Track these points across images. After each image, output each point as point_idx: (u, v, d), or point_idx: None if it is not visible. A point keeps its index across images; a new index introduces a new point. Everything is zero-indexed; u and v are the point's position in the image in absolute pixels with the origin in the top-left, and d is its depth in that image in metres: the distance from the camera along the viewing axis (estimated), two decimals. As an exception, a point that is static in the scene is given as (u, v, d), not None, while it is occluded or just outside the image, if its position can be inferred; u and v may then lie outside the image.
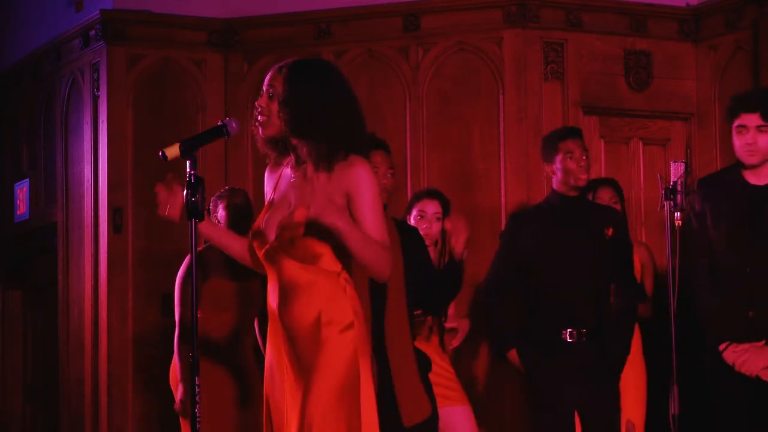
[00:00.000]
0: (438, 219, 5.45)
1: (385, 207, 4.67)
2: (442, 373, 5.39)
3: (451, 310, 5.62)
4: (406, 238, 4.73)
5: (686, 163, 4.94)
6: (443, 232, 5.43)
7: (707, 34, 7.12)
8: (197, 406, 3.42)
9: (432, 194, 5.57)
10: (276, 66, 3.58)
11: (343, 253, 3.45)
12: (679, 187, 4.60)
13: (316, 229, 3.40)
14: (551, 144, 5.25)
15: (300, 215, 3.38)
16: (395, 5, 7.02)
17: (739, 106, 4.86)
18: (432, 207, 5.48)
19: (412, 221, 5.44)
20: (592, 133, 6.89)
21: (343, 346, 3.43)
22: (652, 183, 6.97)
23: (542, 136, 6.73)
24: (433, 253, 5.38)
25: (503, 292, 5.31)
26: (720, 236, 4.86)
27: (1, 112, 8.69)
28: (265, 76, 3.59)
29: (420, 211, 5.48)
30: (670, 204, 4.61)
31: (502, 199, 6.75)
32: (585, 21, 6.95)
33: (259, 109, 3.53)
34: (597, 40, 7.01)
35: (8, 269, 8.84)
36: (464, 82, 6.94)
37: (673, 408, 4.54)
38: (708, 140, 7.09)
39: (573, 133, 5.30)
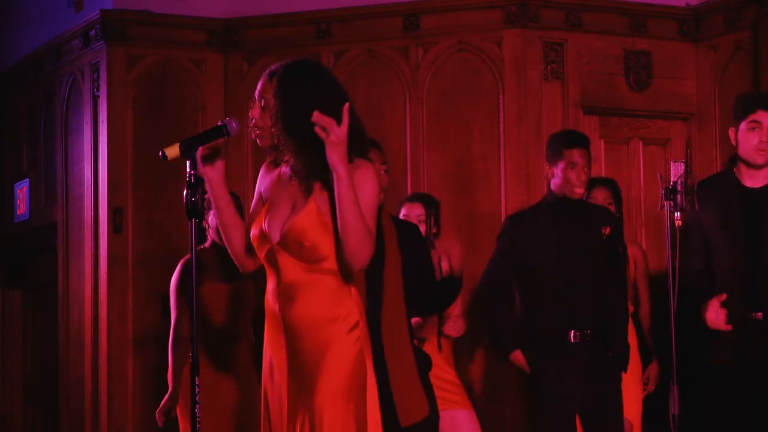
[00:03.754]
0: (421, 221, 5.49)
1: (380, 207, 4.69)
2: (444, 376, 5.40)
3: (456, 310, 5.63)
4: (406, 235, 4.74)
5: (686, 163, 4.94)
6: (427, 234, 5.46)
7: (707, 34, 7.12)
8: (197, 406, 3.42)
9: (415, 198, 5.67)
10: (267, 72, 3.57)
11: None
12: (679, 187, 4.60)
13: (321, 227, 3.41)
14: (556, 149, 5.24)
15: (319, 132, 3.31)
16: (395, 5, 7.02)
17: (756, 103, 4.86)
18: (415, 209, 5.55)
19: None
20: (592, 134, 6.88)
21: (350, 345, 3.43)
22: (652, 183, 6.97)
23: (542, 135, 6.77)
24: None
25: (501, 295, 5.31)
26: (716, 239, 4.86)
27: (1, 112, 8.69)
28: (264, 76, 3.60)
29: (405, 215, 5.55)
30: (670, 204, 4.61)
31: (502, 199, 6.75)
32: (585, 21, 6.95)
33: (253, 121, 3.54)
34: (597, 40, 7.00)
35: (8, 269, 8.83)
36: (464, 82, 6.93)
37: (673, 408, 4.54)
38: (708, 140, 7.09)
39: (579, 142, 5.28)
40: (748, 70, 6.87)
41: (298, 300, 3.45)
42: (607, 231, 5.18)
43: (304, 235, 3.41)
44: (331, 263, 3.44)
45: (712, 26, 7.09)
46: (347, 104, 3.33)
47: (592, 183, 5.99)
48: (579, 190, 5.22)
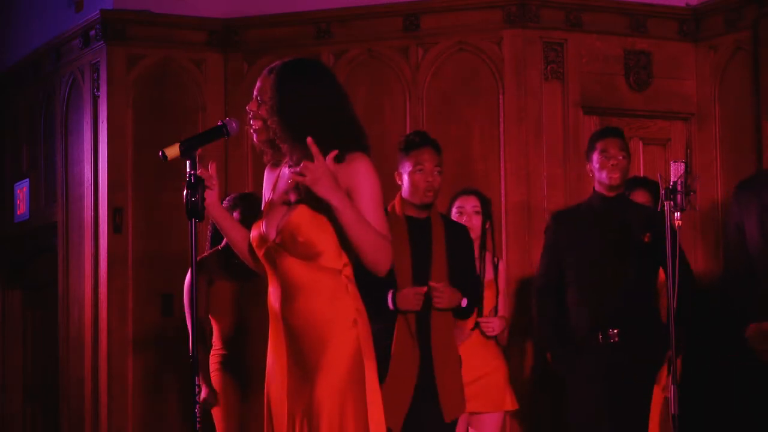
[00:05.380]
0: (477, 213, 5.59)
1: (430, 205, 4.73)
2: (479, 373, 5.39)
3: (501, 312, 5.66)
4: (455, 235, 4.78)
5: (686, 163, 4.93)
6: (483, 230, 5.58)
7: (707, 34, 7.12)
8: (197, 406, 3.43)
9: (470, 191, 5.73)
10: (266, 69, 3.58)
11: (345, 250, 3.45)
12: (679, 187, 4.59)
13: (317, 221, 3.41)
14: (590, 143, 5.35)
15: (296, 178, 3.34)
16: (395, 5, 7.02)
17: None
18: (471, 201, 5.62)
19: (453, 218, 5.55)
20: (592, 133, 6.89)
21: (348, 343, 3.43)
22: (652, 183, 6.97)
23: (542, 135, 6.79)
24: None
25: (549, 292, 5.34)
26: (755, 238, 4.88)
27: (1, 112, 8.69)
28: (264, 76, 3.61)
29: (459, 207, 5.62)
30: (670, 204, 4.60)
31: (502, 199, 6.75)
32: (585, 21, 6.95)
33: (251, 114, 3.55)
34: (597, 40, 7.01)
35: (8, 269, 8.84)
36: (464, 82, 6.93)
37: (673, 408, 4.53)
38: (708, 140, 7.09)
39: (611, 132, 5.36)
40: (748, 70, 6.87)
41: (298, 299, 3.45)
42: (646, 238, 5.15)
43: (299, 230, 3.41)
44: (327, 260, 3.44)
45: (712, 26, 7.09)
46: (309, 138, 3.32)
47: (633, 184, 5.96)
48: (615, 174, 5.21)
